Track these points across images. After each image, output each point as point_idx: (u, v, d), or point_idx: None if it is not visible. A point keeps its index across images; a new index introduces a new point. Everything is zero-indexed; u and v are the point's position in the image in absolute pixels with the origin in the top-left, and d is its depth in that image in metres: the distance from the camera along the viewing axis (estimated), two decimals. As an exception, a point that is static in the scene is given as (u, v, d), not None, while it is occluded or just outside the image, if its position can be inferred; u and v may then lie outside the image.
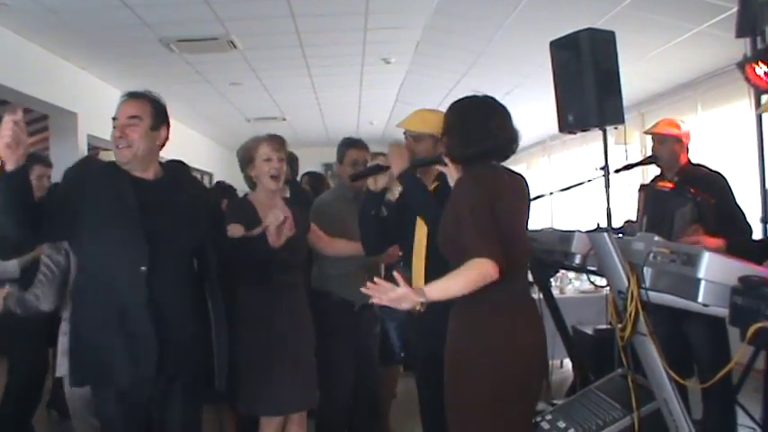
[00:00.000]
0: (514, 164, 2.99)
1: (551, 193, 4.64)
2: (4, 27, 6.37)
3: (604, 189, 4.08)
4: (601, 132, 4.06)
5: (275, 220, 3.19)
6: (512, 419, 2.61)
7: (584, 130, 4.15)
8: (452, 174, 2.88)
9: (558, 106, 4.13)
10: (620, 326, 2.85)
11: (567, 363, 6.11)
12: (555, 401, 4.01)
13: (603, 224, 4.02)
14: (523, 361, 2.62)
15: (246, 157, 3.60)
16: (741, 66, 3.67)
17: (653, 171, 4.80)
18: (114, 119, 2.85)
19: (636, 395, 3.02)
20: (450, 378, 2.72)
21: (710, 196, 3.86)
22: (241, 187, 5.33)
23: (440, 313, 2.81)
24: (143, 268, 2.73)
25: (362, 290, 2.52)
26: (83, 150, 7.94)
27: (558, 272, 5.25)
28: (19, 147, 2.47)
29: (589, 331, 5.15)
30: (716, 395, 3.74)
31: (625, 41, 4.08)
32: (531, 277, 4.25)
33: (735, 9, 3.54)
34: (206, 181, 12.24)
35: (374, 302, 2.54)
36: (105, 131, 8.60)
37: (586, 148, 9.97)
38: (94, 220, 2.75)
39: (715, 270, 2.31)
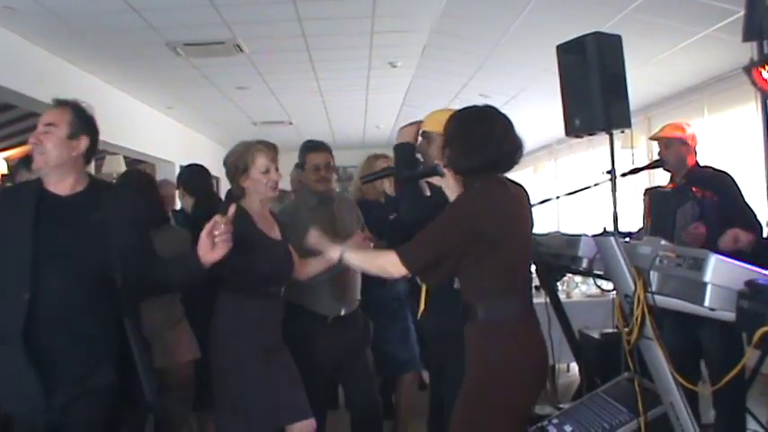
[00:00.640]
0: (521, 168, 3.00)
1: (558, 197, 4.64)
2: (10, 30, 6.39)
3: (611, 193, 4.07)
4: (607, 136, 4.06)
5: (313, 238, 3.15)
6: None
7: (590, 134, 4.14)
8: (450, 185, 2.90)
9: (564, 110, 4.12)
10: (626, 330, 2.85)
11: (574, 366, 6.09)
12: (561, 405, 4.00)
13: (610, 228, 4.01)
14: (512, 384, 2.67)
15: (240, 168, 3.35)
16: (747, 69, 3.66)
17: (660, 175, 4.79)
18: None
19: (642, 399, 3.01)
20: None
21: (713, 194, 3.85)
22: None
23: (438, 316, 2.83)
24: (26, 296, 2.50)
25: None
26: (90, 154, 7.90)
27: (564, 276, 5.24)
28: None
29: (596, 335, 5.13)
30: (726, 399, 3.73)
31: (631, 45, 4.07)
32: (537, 281, 4.28)
33: (741, 13, 3.52)
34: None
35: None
36: (112, 135, 8.62)
37: (593, 152, 9.96)
38: None
39: (721, 274, 2.30)
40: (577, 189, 4.53)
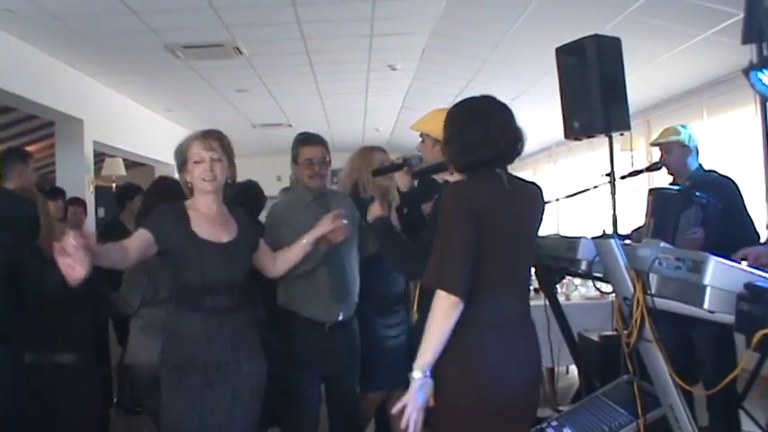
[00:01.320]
0: (520, 170, 2.98)
1: (557, 200, 4.63)
2: (10, 34, 6.40)
3: (610, 195, 4.07)
4: (606, 139, 4.06)
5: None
6: None
7: (589, 137, 4.13)
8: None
9: (563, 112, 4.12)
10: (625, 332, 2.84)
11: (573, 369, 6.09)
12: (560, 408, 4.00)
13: (609, 230, 4.01)
14: (496, 389, 2.46)
15: (179, 162, 3.08)
16: (747, 72, 3.66)
17: (659, 177, 4.79)
18: None
19: (641, 401, 3.01)
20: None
21: (718, 200, 3.86)
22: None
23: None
24: None
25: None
26: (89, 157, 7.97)
27: (563, 278, 5.24)
28: None
29: (595, 338, 5.13)
30: (719, 403, 3.73)
31: (631, 48, 4.07)
32: (536, 284, 4.28)
33: (740, 15, 3.52)
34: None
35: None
36: (111, 138, 8.61)
37: (592, 155, 9.96)
38: None
39: (721, 277, 2.30)
40: (577, 191, 4.53)
